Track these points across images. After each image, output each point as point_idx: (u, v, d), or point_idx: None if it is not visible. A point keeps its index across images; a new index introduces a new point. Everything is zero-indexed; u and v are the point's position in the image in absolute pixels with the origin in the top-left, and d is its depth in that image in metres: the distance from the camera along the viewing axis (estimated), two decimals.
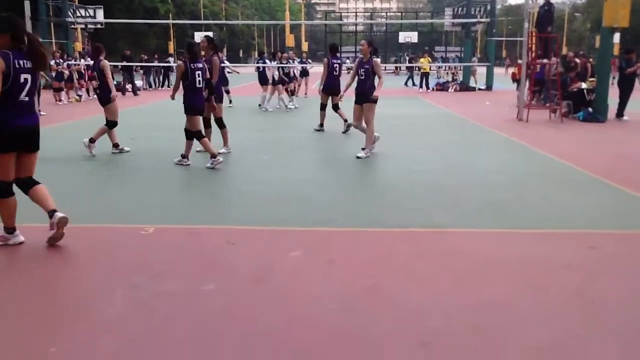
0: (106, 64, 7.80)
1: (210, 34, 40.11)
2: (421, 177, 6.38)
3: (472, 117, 12.77)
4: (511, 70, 15.51)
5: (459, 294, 3.26)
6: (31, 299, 3.22)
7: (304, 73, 19.05)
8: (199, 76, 6.86)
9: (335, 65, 10.66)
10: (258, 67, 15.24)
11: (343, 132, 10.10)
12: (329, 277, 3.53)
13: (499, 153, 8.31)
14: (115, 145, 8.04)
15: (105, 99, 7.88)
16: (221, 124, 7.92)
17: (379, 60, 7.73)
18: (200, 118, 7.22)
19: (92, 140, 7.81)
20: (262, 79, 14.89)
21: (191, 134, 6.97)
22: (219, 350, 2.65)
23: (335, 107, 10.31)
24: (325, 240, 4.26)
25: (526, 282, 3.44)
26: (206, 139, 7.18)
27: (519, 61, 17.51)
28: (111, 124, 7.93)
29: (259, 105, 14.93)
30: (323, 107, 10.56)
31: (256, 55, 16.22)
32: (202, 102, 7.10)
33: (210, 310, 3.05)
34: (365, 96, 7.49)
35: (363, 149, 7.57)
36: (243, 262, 3.75)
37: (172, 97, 7.22)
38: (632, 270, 3.68)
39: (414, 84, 25.80)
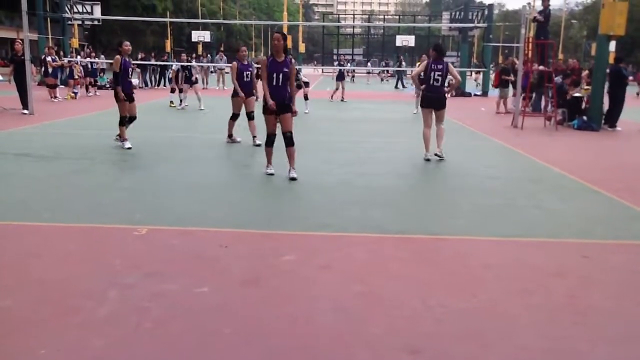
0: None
1: (208, 33, 39.58)
2: (416, 182, 6.40)
3: (468, 123, 12.80)
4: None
5: (451, 300, 3.26)
6: (22, 298, 3.20)
7: (340, 76, 18.82)
8: None
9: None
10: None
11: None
12: (322, 281, 3.53)
13: (494, 159, 8.34)
14: (229, 136, 9.17)
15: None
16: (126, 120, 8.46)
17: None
18: None
19: (230, 135, 9.08)
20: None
21: None
22: (211, 350, 2.65)
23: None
24: (320, 245, 4.26)
25: (518, 289, 3.45)
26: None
27: (495, 67, 17.54)
28: (233, 116, 9.13)
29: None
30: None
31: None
32: None
33: (203, 312, 3.04)
34: None
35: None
36: (236, 265, 3.75)
37: None
38: (624, 280, 3.70)
39: (403, 86, 28.58)
